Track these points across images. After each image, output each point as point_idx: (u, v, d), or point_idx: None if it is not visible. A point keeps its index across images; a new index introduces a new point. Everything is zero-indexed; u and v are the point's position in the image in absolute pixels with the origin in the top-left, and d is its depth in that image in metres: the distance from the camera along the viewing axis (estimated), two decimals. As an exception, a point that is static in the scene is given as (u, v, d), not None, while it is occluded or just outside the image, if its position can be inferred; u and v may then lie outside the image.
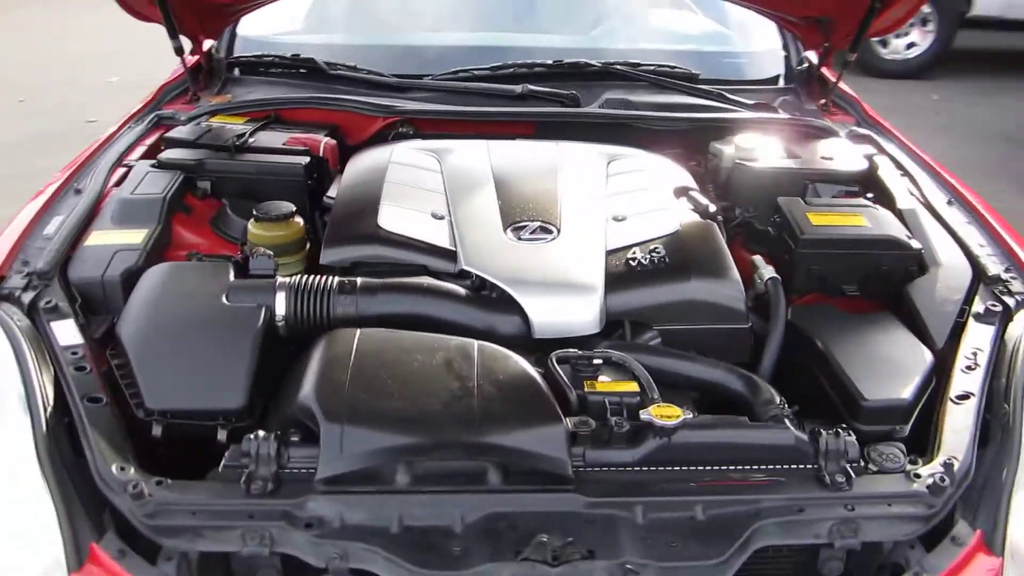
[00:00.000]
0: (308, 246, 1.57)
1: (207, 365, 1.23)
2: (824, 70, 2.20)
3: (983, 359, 1.34)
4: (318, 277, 1.37)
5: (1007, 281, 1.49)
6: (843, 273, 1.54)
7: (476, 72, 2.04)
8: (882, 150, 1.94)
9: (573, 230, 1.49)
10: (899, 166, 1.85)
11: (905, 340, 1.40)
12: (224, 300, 1.31)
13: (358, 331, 1.26)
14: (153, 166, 1.72)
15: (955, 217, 1.66)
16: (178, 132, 1.83)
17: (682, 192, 1.67)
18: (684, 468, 1.15)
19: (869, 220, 1.56)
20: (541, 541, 1.04)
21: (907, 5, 1.87)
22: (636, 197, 1.62)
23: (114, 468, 1.09)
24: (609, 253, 1.46)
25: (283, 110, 1.95)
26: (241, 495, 1.08)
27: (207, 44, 2.13)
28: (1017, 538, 1.14)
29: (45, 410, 1.14)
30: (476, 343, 1.25)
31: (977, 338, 1.38)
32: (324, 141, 1.81)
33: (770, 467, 1.16)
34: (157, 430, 1.18)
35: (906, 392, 1.28)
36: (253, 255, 1.42)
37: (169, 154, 1.74)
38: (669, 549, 1.06)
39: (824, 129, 1.99)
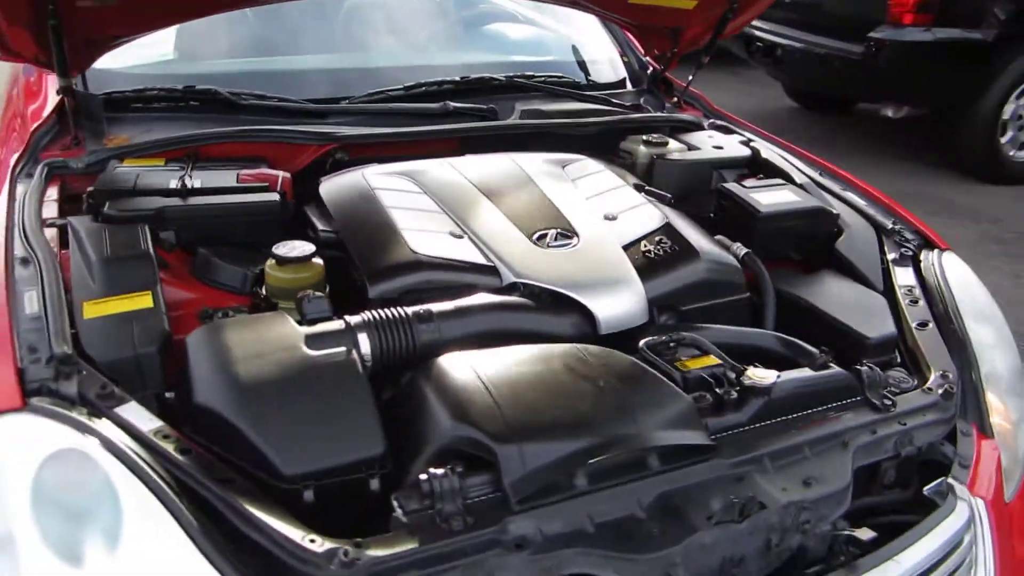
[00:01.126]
0: (328, 287, 1.50)
1: (332, 418, 1.18)
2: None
3: (919, 293, 1.69)
4: (392, 311, 1.35)
5: (900, 231, 1.86)
6: (790, 241, 1.82)
7: (391, 93, 2.05)
8: (740, 135, 2.28)
9: (588, 233, 1.61)
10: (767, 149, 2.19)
11: (858, 289, 1.71)
12: (307, 350, 1.25)
13: (466, 355, 1.28)
14: (99, 220, 1.53)
15: (834, 186, 2.03)
16: (106, 182, 1.63)
17: (639, 188, 1.84)
18: (783, 419, 1.33)
19: (796, 193, 1.85)
20: (731, 502, 1.17)
21: (756, 8, 2.21)
22: (609, 197, 1.77)
23: (304, 541, 1.02)
24: (625, 249, 1.59)
25: (202, 147, 1.81)
26: (445, 535, 1.07)
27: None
28: (995, 422, 1.50)
29: (182, 508, 1.04)
30: (576, 346, 1.33)
31: (904, 278, 1.73)
32: (281, 175, 1.72)
33: (835, 404, 1.39)
34: (309, 495, 1.12)
35: (889, 326, 1.58)
36: (307, 299, 1.36)
37: (117, 205, 1.55)
38: (807, 487, 1.24)
39: (696, 124, 2.28)
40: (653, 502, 1.18)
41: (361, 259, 1.49)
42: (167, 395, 1.26)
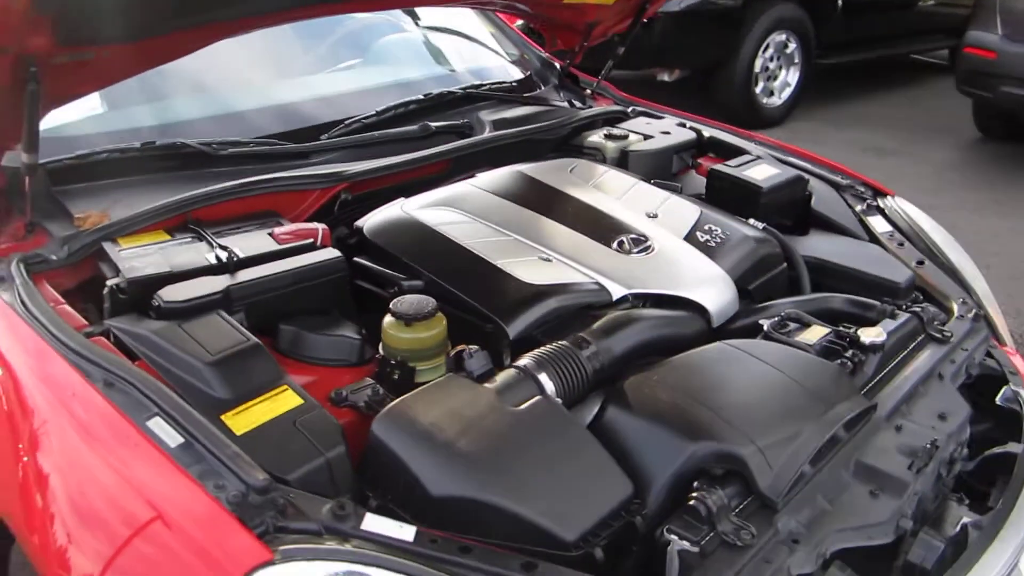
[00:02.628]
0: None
1: (575, 471, 1.14)
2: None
3: (900, 236, 1.94)
4: (555, 346, 1.32)
5: (852, 185, 2.11)
6: (780, 210, 1.99)
7: (365, 121, 1.93)
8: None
9: (653, 233, 1.65)
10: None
11: (853, 242, 1.92)
12: (511, 408, 1.20)
13: (647, 375, 1.29)
14: (154, 315, 1.32)
15: (777, 154, 2.23)
16: (134, 269, 1.40)
17: (647, 182, 1.91)
18: (893, 364, 1.49)
19: (772, 167, 2.02)
20: (923, 449, 1.30)
21: None
22: (634, 195, 1.83)
23: None
24: (686, 240, 1.67)
25: (196, 210, 1.59)
26: (741, 552, 1.09)
27: None
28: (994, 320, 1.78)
29: None
30: (725, 344, 1.39)
31: (880, 226, 1.97)
32: (320, 228, 1.58)
33: (913, 345, 1.57)
34: (600, 553, 1.08)
35: (904, 270, 1.79)
36: (469, 355, 1.29)
37: (172, 295, 1.34)
38: (944, 420, 1.41)
39: (626, 113, 2.39)
40: (855, 467, 1.28)
41: (482, 302, 1.42)
42: (369, 498, 1.13)
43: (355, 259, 1.58)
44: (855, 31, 6.53)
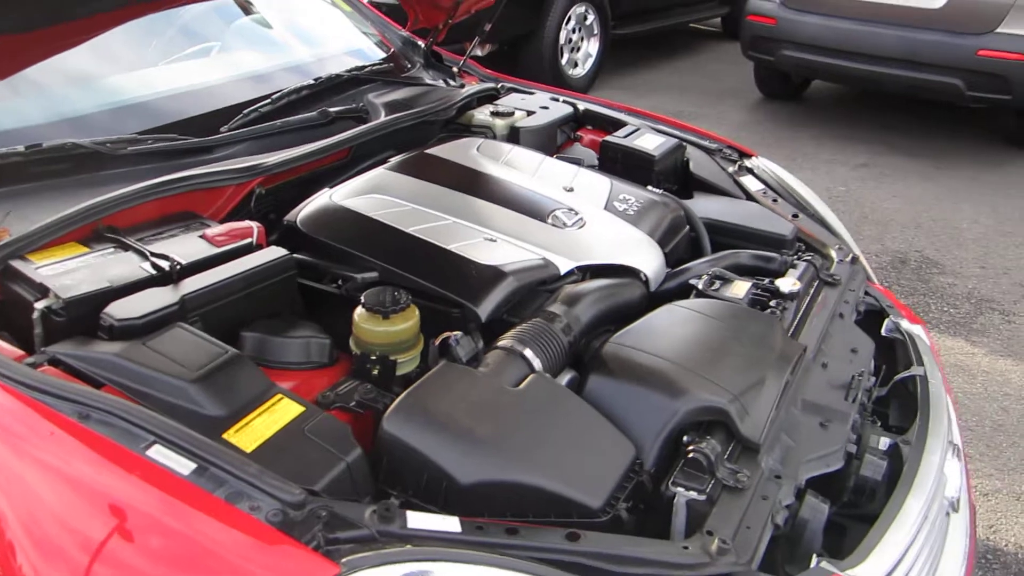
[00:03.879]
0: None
1: (584, 441, 1.19)
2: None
3: (771, 193, 2.13)
4: (532, 323, 1.35)
5: (720, 148, 2.28)
6: (668, 175, 2.11)
7: (262, 110, 1.83)
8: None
9: (578, 205, 1.71)
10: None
11: (734, 201, 2.08)
12: (512, 388, 1.22)
13: (622, 339, 1.36)
14: (109, 336, 1.21)
15: (648, 122, 2.36)
16: (67, 288, 1.26)
17: (551, 155, 1.97)
18: (804, 308, 1.65)
19: (656, 136, 2.14)
20: (855, 379, 1.46)
21: None
22: (545, 169, 1.87)
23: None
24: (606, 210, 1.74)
25: (110, 216, 1.46)
26: (743, 492, 1.18)
27: None
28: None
29: None
30: (677, 304, 1.48)
31: (753, 185, 2.15)
32: (255, 226, 1.49)
33: (812, 290, 1.75)
34: (625, 515, 1.13)
35: (787, 224, 1.97)
36: (455, 340, 1.29)
37: (123, 312, 1.23)
38: (855, 353, 1.59)
39: (498, 90, 2.42)
40: (802, 405, 1.42)
41: (447, 288, 1.41)
42: (392, 496, 1.11)
43: (296, 255, 1.52)
44: (642, 2, 6.94)
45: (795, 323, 1.60)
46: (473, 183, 1.74)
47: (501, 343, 1.31)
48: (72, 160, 1.56)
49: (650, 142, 2.09)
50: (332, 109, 1.93)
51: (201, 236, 1.45)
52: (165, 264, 1.34)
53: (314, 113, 1.89)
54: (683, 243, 1.85)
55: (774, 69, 5.87)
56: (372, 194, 1.64)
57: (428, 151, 1.86)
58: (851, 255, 1.91)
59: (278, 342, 1.32)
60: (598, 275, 1.58)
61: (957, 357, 3.23)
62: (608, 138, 2.10)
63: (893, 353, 1.76)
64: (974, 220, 4.44)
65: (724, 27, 8.43)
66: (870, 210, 4.53)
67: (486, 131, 2.17)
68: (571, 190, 1.81)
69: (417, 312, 1.35)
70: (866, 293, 1.88)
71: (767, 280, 1.66)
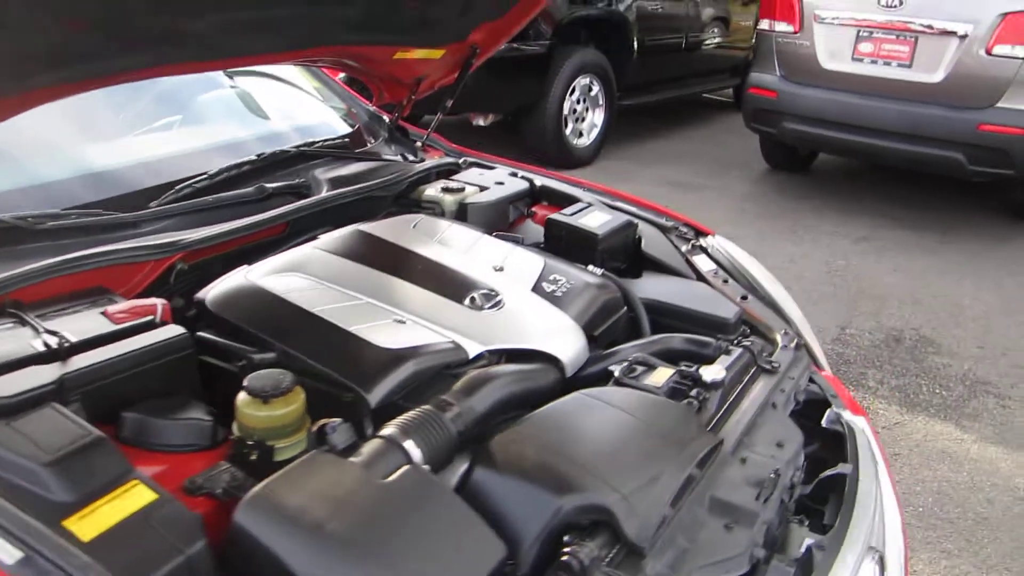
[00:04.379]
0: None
1: (451, 539, 1.13)
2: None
3: (723, 274, 2.08)
4: (419, 411, 1.30)
5: (676, 227, 2.25)
6: (615, 254, 2.08)
7: (197, 185, 1.84)
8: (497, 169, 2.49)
9: (502, 288, 1.68)
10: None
11: (682, 281, 2.04)
12: (381, 481, 1.17)
13: (512, 432, 1.30)
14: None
15: (605, 199, 2.34)
16: None
17: (489, 234, 1.94)
18: (732, 399, 1.59)
19: (605, 214, 2.11)
20: (768, 479, 1.39)
21: (495, 47, 2.41)
22: (479, 248, 1.85)
23: None
24: (534, 292, 1.71)
25: (16, 291, 1.46)
26: None
27: None
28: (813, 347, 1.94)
29: None
30: (584, 394, 1.43)
31: (705, 265, 2.11)
32: (160, 303, 1.47)
33: (747, 378, 1.69)
34: None
35: (732, 306, 1.92)
36: (331, 428, 1.24)
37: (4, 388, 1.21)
38: (781, 448, 1.51)
39: (457, 165, 2.42)
40: (709, 503, 1.35)
41: (339, 371, 1.38)
42: None
43: (199, 334, 1.49)
44: (650, 73, 7.01)
45: (718, 414, 1.54)
46: (398, 262, 1.71)
47: (382, 432, 1.26)
48: None
49: (596, 220, 2.06)
50: (270, 185, 1.92)
51: (102, 312, 1.44)
52: (54, 341, 1.33)
53: (250, 189, 1.89)
54: (619, 325, 1.80)
55: (779, 141, 5.86)
56: (290, 272, 1.62)
57: (362, 228, 1.84)
58: (795, 340, 1.85)
59: (158, 424, 1.29)
60: (513, 360, 1.53)
61: (945, 443, 3.11)
62: (553, 216, 2.08)
63: (834, 446, 1.68)
64: (975, 297, 4.34)
65: (736, 97, 8.49)
66: (868, 284, 4.45)
67: (434, 206, 2.16)
68: (501, 269, 1.78)
69: (302, 396, 1.31)
70: (811, 381, 1.81)
71: (695, 367, 1.60)
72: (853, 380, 3.52)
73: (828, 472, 1.55)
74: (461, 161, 2.47)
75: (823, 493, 1.58)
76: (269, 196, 1.90)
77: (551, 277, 1.76)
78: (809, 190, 5.93)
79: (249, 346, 1.45)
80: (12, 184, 1.74)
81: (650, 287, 1.97)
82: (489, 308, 1.61)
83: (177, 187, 1.82)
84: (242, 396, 1.28)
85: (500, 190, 2.23)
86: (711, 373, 1.55)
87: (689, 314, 1.88)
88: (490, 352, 1.52)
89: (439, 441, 1.28)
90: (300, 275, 1.61)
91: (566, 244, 2.03)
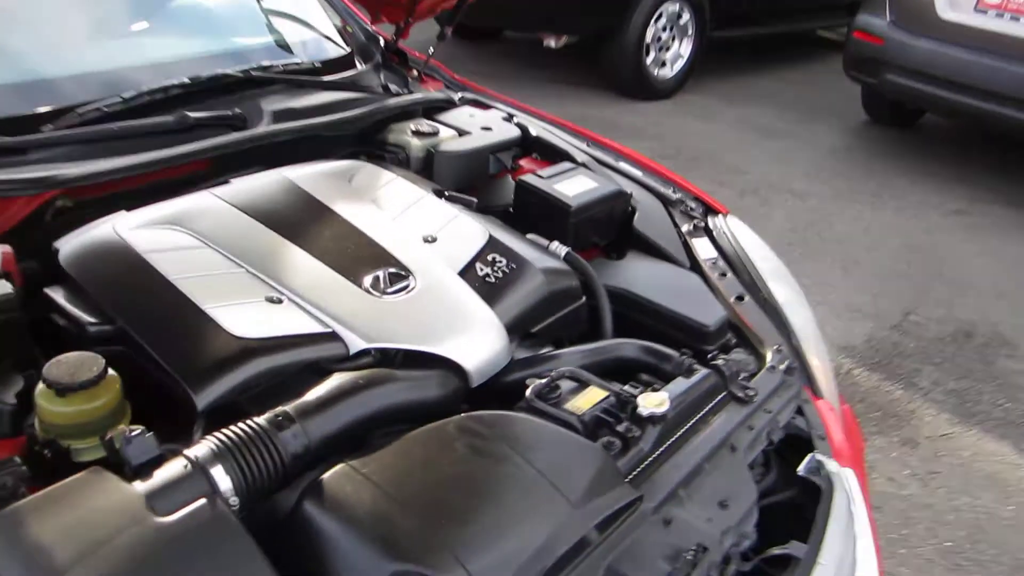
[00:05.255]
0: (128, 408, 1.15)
1: None
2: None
3: (723, 265, 1.75)
4: (243, 426, 1.06)
5: (682, 200, 1.91)
6: (595, 228, 1.77)
7: (106, 109, 1.61)
8: (496, 109, 2.17)
9: (419, 266, 1.41)
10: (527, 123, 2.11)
11: (671, 269, 1.72)
12: (156, 518, 0.94)
13: (356, 465, 1.05)
14: None
15: (608, 158, 2.01)
16: None
17: (439, 194, 1.66)
18: (675, 438, 1.29)
19: (591, 179, 1.79)
20: (684, 558, 1.11)
21: None
22: (416, 212, 1.57)
23: None
24: (462, 276, 1.42)
25: None
26: None
27: None
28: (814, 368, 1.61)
29: None
30: (469, 419, 1.16)
31: (704, 251, 1.78)
32: (1, 250, 1.27)
33: (708, 408, 1.38)
34: None
35: (719, 308, 1.60)
36: (125, 439, 1.01)
37: None
38: (725, 508, 1.22)
39: (450, 101, 2.12)
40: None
41: (170, 360, 1.15)
42: None
43: (45, 291, 1.29)
44: (754, 4, 6.39)
45: (651, 456, 1.25)
46: (306, 222, 1.45)
47: (188, 451, 1.03)
48: None
49: (575, 187, 1.74)
50: (194, 114, 1.67)
51: None
52: None
53: (169, 118, 1.65)
54: (572, 320, 1.51)
55: (879, 93, 5.25)
56: (171, 225, 1.38)
57: (287, 173, 1.58)
58: (787, 361, 1.52)
59: None
60: (408, 361, 1.27)
61: (996, 466, 2.71)
62: (525, 177, 1.77)
63: (815, 496, 1.38)
64: (1074, 297, 3.79)
65: (849, 38, 7.71)
66: (949, 267, 3.95)
67: (399, 151, 1.87)
68: (432, 241, 1.50)
69: (116, 388, 1.10)
70: (799, 412, 1.49)
71: (639, 390, 1.31)
72: (904, 377, 3.12)
73: (773, 551, 1.24)
74: (458, 97, 2.16)
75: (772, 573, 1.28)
76: (192, 127, 1.65)
77: (490, 256, 1.48)
78: (907, 150, 5.32)
79: (93, 313, 1.23)
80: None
81: (629, 273, 1.67)
82: (392, 293, 1.34)
83: (79, 110, 1.58)
84: (40, 385, 1.07)
85: (482, 137, 1.93)
86: (651, 404, 1.26)
87: (663, 313, 1.58)
88: (378, 350, 1.26)
89: (263, 467, 1.04)
90: (181, 229, 1.38)
91: (536, 212, 1.73)
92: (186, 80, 1.73)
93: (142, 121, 1.61)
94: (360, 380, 1.19)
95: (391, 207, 1.57)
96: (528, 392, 1.25)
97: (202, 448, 1.03)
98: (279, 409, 1.10)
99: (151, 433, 1.04)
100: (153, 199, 1.49)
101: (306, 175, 1.59)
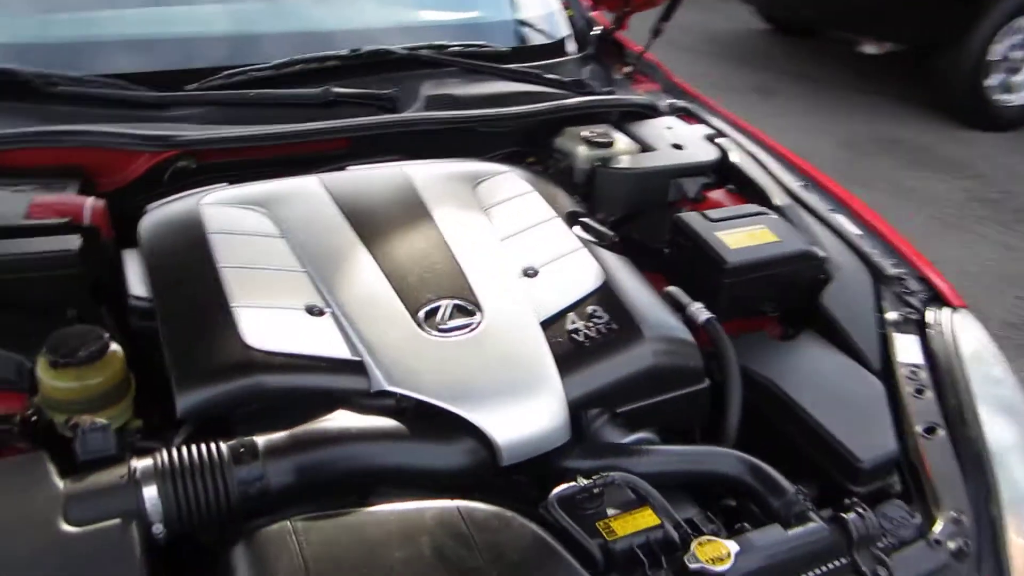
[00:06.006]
0: (133, 385, 1.08)
1: None
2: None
3: (926, 377, 1.32)
4: (200, 448, 0.94)
5: (902, 278, 1.48)
6: (762, 294, 1.42)
7: (255, 74, 1.56)
8: (705, 123, 1.85)
9: (495, 304, 1.18)
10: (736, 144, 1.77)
11: (849, 367, 1.32)
12: (64, 526, 0.85)
13: (300, 529, 0.88)
14: None
15: (819, 205, 1.62)
16: None
17: (573, 220, 1.41)
18: None
19: (774, 231, 1.44)
20: None
21: None
22: (532, 236, 1.34)
23: None
24: (544, 327, 1.18)
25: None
26: None
27: None
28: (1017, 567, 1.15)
29: None
30: (457, 510, 0.94)
31: (907, 353, 1.35)
32: (89, 203, 1.27)
33: (814, 573, 1.03)
34: None
35: (889, 439, 1.20)
36: (82, 430, 0.94)
37: None
38: None
39: (651, 107, 1.83)
40: None
41: (171, 350, 1.06)
42: None
43: (123, 252, 1.26)
44: None
45: None
46: (394, 229, 1.28)
47: (136, 462, 0.92)
48: (10, 89, 1.45)
49: (744, 238, 1.40)
50: (339, 89, 1.56)
51: (31, 201, 1.26)
52: None
53: (315, 90, 1.55)
54: (681, 406, 1.21)
55: None
56: (257, 207, 1.29)
57: (405, 170, 1.42)
58: (963, 540, 1.11)
59: None
60: (425, 417, 1.06)
61: None
62: (685, 215, 1.45)
63: None
64: None
65: None
66: None
67: (563, 158, 1.64)
68: (533, 275, 1.26)
69: (117, 365, 1.04)
70: None
71: (707, 528, 1.00)
72: None
73: None
74: (666, 104, 1.88)
75: None
76: (333, 103, 1.55)
77: (590, 308, 1.21)
78: None
79: (142, 284, 1.19)
80: (44, 37, 1.60)
81: (791, 361, 1.33)
82: (445, 330, 1.14)
83: (227, 72, 1.54)
84: (41, 359, 1.03)
85: (665, 156, 1.64)
86: (707, 555, 0.96)
87: (810, 426, 1.22)
88: (401, 395, 1.07)
89: (205, 500, 0.91)
90: (265, 214, 1.28)
91: (687, 261, 1.42)
92: (344, 52, 1.63)
93: (284, 91, 1.54)
94: (357, 429, 1.01)
95: (505, 226, 1.35)
96: (552, 494, 1.00)
97: (147, 462, 0.92)
98: (247, 440, 0.96)
99: (111, 431, 0.95)
100: (274, 173, 1.42)
101: (427, 175, 1.42)
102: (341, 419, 1.02)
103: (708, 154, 1.68)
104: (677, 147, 1.68)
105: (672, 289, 1.35)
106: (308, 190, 1.34)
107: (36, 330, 1.12)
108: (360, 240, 1.25)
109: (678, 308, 1.31)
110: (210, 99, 1.51)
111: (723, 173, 1.69)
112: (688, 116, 1.87)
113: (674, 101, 1.91)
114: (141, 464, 0.92)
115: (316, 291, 1.16)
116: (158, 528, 0.89)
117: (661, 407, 1.19)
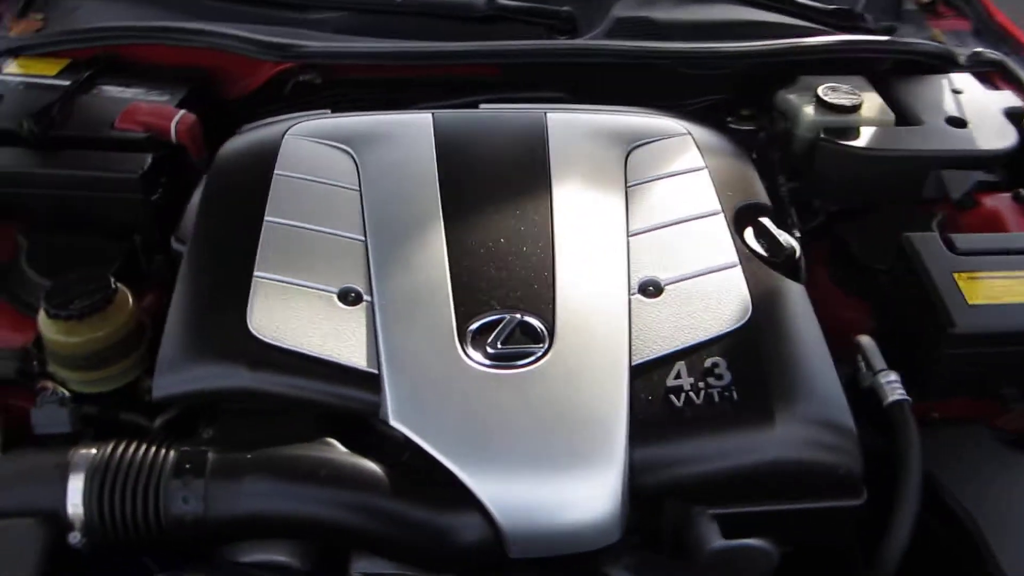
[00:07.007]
0: (148, 334, 0.96)
1: None
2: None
3: None
4: (141, 448, 0.78)
5: None
6: (1004, 370, 0.96)
7: None
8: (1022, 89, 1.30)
9: (575, 330, 0.88)
10: None
11: None
12: None
13: None
14: None
15: None
16: None
17: (748, 218, 1.03)
18: None
19: None
20: None
21: None
22: (675, 235, 0.99)
23: None
24: (635, 375, 0.85)
25: (122, 47, 1.27)
26: None
27: None
28: None
29: None
30: None
31: None
32: (178, 117, 1.14)
33: None
34: None
35: None
36: (39, 400, 0.85)
37: None
38: None
39: (942, 58, 1.32)
40: None
41: (173, 317, 0.91)
42: None
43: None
44: None
45: None
46: (493, 200, 0.99)
47: (72, 452, 0.79)
48: None
49: (1002, 290, 0.93)
50: (508, 2, 1.26)
51: (127, 108, 1.16)
52: (28, 125, 1.12)
53: (480, 1, 1.27)
54: (812, 521, 0.85)
55: None
56: (346, 144, 1.07)
57: (550, 116, 1.11)
58: None
59: (25, 274, 1.05)
60: (422, 470, 0.81)
61: None
62: (921, 238, 0.99)
63: None
64: None
65: None
66: None
67: (781, 120, 1.23)
68: (656, 294, 0.92)
69: (126, 313, 0.93)
70: None
71: None
72: None
73: None
74: (969, 54, 1.36)
75: None
76: (495, 17, 1.26)
77: (710, 360, 0.87)
78: None
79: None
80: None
81: (1003, 486, 0.89)
82: (491, 358, 0.86)
83: None
84: (42, 310, 0.95)
85: (928, 136, 1.19)
86: None
87: (986, 562, 0.81)
88: (407, 438, 0.82)
89: (128, 509, 0.77)
90: (351, 155, 1.06)
91: (904, 303, 1.00)
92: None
93: (442, 1, 1.30)
94: (329, 470, 0.79)
95: (645, 215, 1.01)
96: None
97: (88, 453, 0.78)
98: (197, 451, 0.79)
99: (70, 408, 0.84)
100: (408, 99, 1.21)
101: (570, 130, 1.10)
102: (323, 450, 0.81)
103: (1001, 139, 1.18)
104: (956, 123, 1.20)
105: (864, 341, 0.94)
106: (412, 132, 1.09)
107: (109, 254, 1.05)
108: (441, 209, 0.99)
109: (858, 356, 0.91)
110: (355, 4, 1.31)
111: (1018, 171, 1.18)
112: (1000, 75, 1.33)
113: (982, 50, 1.37)
114: (78, 455, 0.78)
115: (363, 270, 0.93)
116: (75, 536, 0.76)
117: (784, 517, 0.84)
